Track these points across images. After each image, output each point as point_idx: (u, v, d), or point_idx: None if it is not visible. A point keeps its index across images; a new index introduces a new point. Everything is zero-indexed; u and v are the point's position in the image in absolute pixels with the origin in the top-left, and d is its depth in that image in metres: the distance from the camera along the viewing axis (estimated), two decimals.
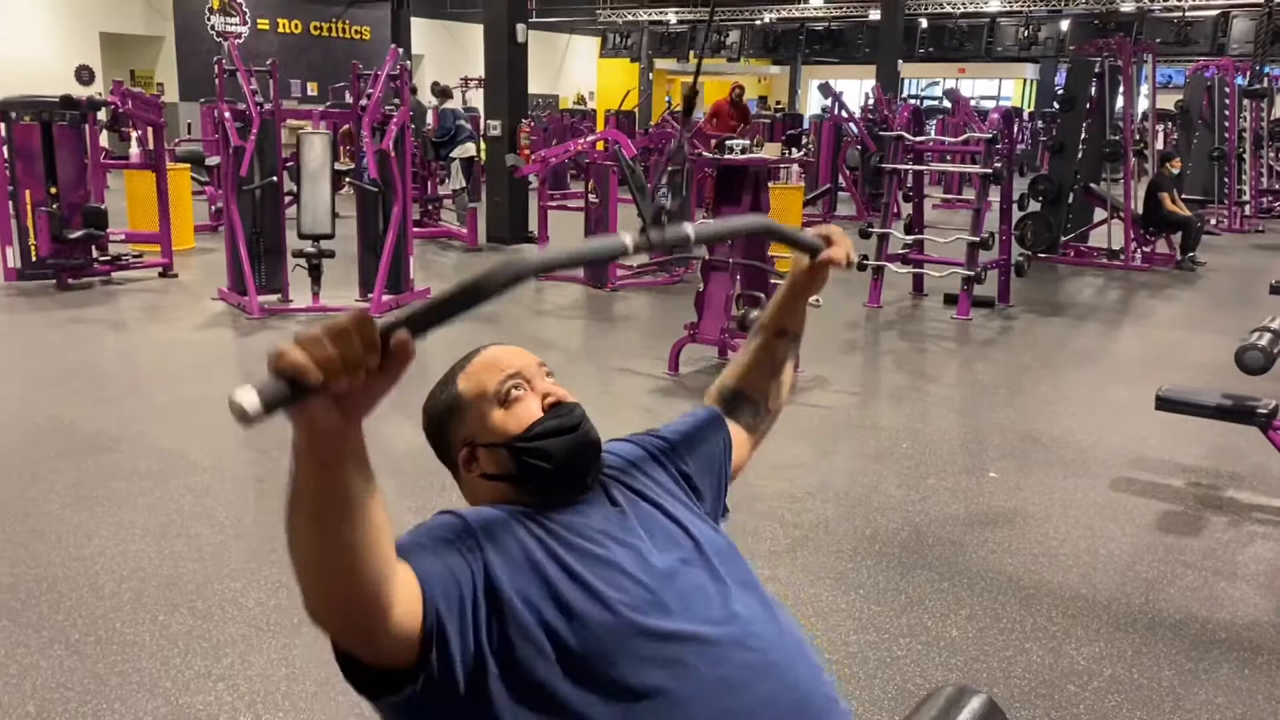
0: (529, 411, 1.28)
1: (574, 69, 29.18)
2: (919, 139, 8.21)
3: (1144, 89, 11.41)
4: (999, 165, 7.46)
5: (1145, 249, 10.05)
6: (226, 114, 7.15)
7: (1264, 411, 3.82)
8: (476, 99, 11.61)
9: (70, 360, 5.94)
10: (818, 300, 5.54)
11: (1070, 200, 10.23)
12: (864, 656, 2.81)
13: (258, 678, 2.64)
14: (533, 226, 10.22)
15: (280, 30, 21.71)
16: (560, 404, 1.30)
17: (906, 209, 8.40)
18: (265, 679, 2.63)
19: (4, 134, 7.70)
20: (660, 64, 26.90)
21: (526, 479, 1.26)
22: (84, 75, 18.87)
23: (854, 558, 3.43)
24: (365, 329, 0.85)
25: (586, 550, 1.19)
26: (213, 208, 10.97)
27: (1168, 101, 16.02)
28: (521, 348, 1.36)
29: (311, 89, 21.50)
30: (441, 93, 11.34)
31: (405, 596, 1.03)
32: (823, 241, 1.50)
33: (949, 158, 9.90)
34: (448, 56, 24.44)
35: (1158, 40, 18.01)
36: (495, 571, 1.13)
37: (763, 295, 5.62)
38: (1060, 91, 12.04)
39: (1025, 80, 30.78)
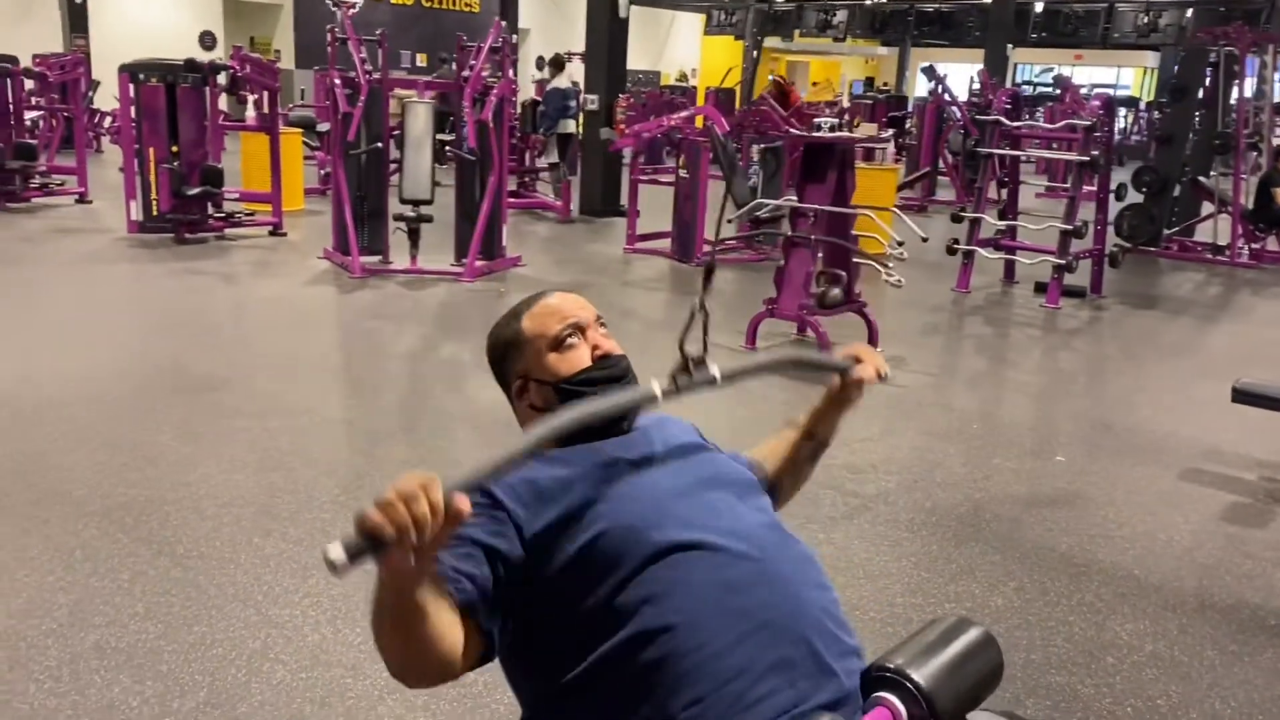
0: (580, 358, 1.44)
1: (677, 46, 29.18)
2: (1016, 124, 8.11)
3: (1264, 80, 10.99)
4: (1096, 153, 7.34)
5: (1254, 245, 9.74)
6: (337, 81, 7.47)
7: None
8: (578, 73, 11.78)
9: (185, 308, 6.34)
10: (899, 280, 5.57)
11: (1176, 193, 9.97)
12: (908, 618, 2.91)
13: (339, 597, 2.87)
14: (624, 200, 10.39)
15: (393, 2, 22.24)
16: (608, 356, 1.45)
17: (1002, 194, 8.32)
18: (346, 599, 2.87)
19: (132, 94, 8.18)
20: (766, 42, 26.70)
21: None
22: (207, 40, 19.67)
23: (910, 528, 3.52)
24: (432, 493, 1.05)
25: (605, 470, 1.34)
26: (321, 172, 11.42)
27: None
28: (583, 298, 1.51)
29: (421, 60, 21.99)
30: (555, 64, 11.53)
31: (468, 644, 1.23)
32: (851, 361, 1.61)
33: (1055, 145, 9.73)
34: (554, 30, 24.71)
35: None
36: (524, 527, 1.30)
37: (843, 273, 5.69)
38: (1171, 81, 11.68)
39: (1145, 69, 29.72)
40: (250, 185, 9.64)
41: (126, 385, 4.70)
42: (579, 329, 1.46)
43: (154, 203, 8.19)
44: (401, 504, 1.03)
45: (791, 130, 6.76)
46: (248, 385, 4.80)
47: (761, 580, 1.30)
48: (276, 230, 8.73)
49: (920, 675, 1.38)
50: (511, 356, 1.49)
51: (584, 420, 1.29)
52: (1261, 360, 6.04)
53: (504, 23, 8.18)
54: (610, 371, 1.44)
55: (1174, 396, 5.35)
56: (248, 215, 8.83)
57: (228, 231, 8.54)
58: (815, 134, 5.65)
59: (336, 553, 1.02)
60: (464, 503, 1.08)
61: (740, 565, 1.30)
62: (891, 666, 1.40)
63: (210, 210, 8.44)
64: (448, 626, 1.19)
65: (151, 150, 8.11)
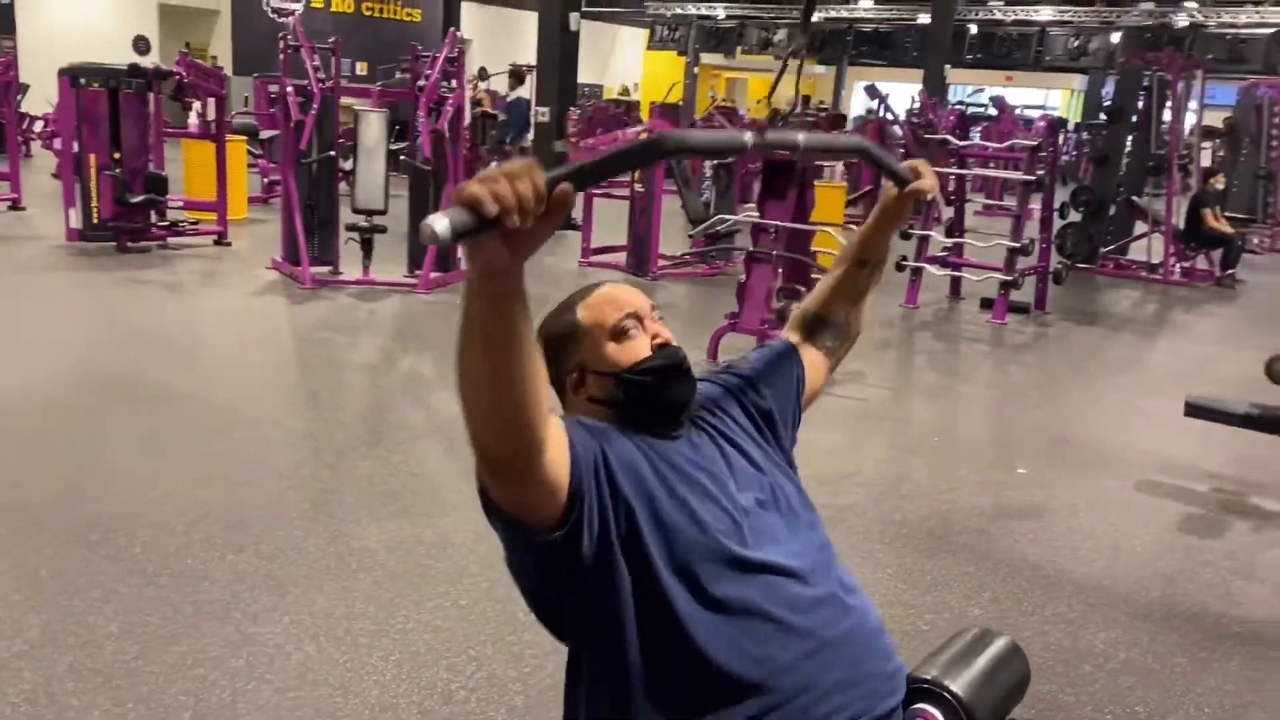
0: (640, 348, 1.41)
1: (621, 60, 29.32)
2: (963, 143, 8.29)
3: (1192, 104, 11.40)
4: (1041, 173, 7.53)
5: (1185, 264, 10.06)
6: (289, 89, 7.36)
7: None
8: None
9: (133, 319, 6.18)
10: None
11: (1112, 212, 10.27)
12: (890, 629, 2.94)
13: (320, 614, 2.82)
14: (576, 213, 10.38)
15: (333, 9, 22.01)
16: (667, 345, 1.43)
17: (948, 213, 8.49)
18: (327, 616, 2.82)
19: (72, 99, 7.96)
20: (706, 58, 26.96)
21: (630, 407, 1.40)
22: (141, 45, 19.10)
23: (883, 539, 3.57)
24: (535, 175, 0.99)
25: (683, 472, 1.34)
26: (265, 180, 11.24)
27: (1216, 119, 15.92)
28: (636, 289, 1.49)
29: (361, 69, 21.76)
30: (514, 75, 11.50)
31: (557, 445, 1.18)
32: (912, 172, 1.60)
33: (992, 164, 9.96)
34: (497, 41, 24.65)
35: (1210, 56, 17.89)
36: (614, 467, 1.28)
37: (803, 289, 5.75)
38: (1107, 103, 12.04)
39: (1073, 91, 30.58)
40: (194, 194, 9.43)
41: (80, 398, 4.57)
42: (637, 318, 1.43)
43: (95, 210, 7.97)
44: (506, 179, 0.98)
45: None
46: (206, 398, 4.70)
47: (819, 602, 1.33)
48: (221, 239, 8.56)
49: (958, 686, 1.42)
50: (567, 349, 1.45)
51: (685, 145, 1.28)
52: (1203, 376, 6.24)
53: (459, 33, 8.12)
54: (672, 360, 1.42)
55: (1123, 410, 5.50)
56: (192, 224, 8.64)
57: (171, 240, 8.34)
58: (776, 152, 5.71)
59: (440, 223, 0.96)
60: (567, 190, 1.03)
61: (799, 587, 1.32)
62: (929, 679, 1.43)
63: (154, 218, 8.24)
64: (538, 370, 1.13)
65: (92, 156, 7.90)
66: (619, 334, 1.41)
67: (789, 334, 1.69)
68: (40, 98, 13.38)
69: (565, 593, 1.28)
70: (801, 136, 1.42)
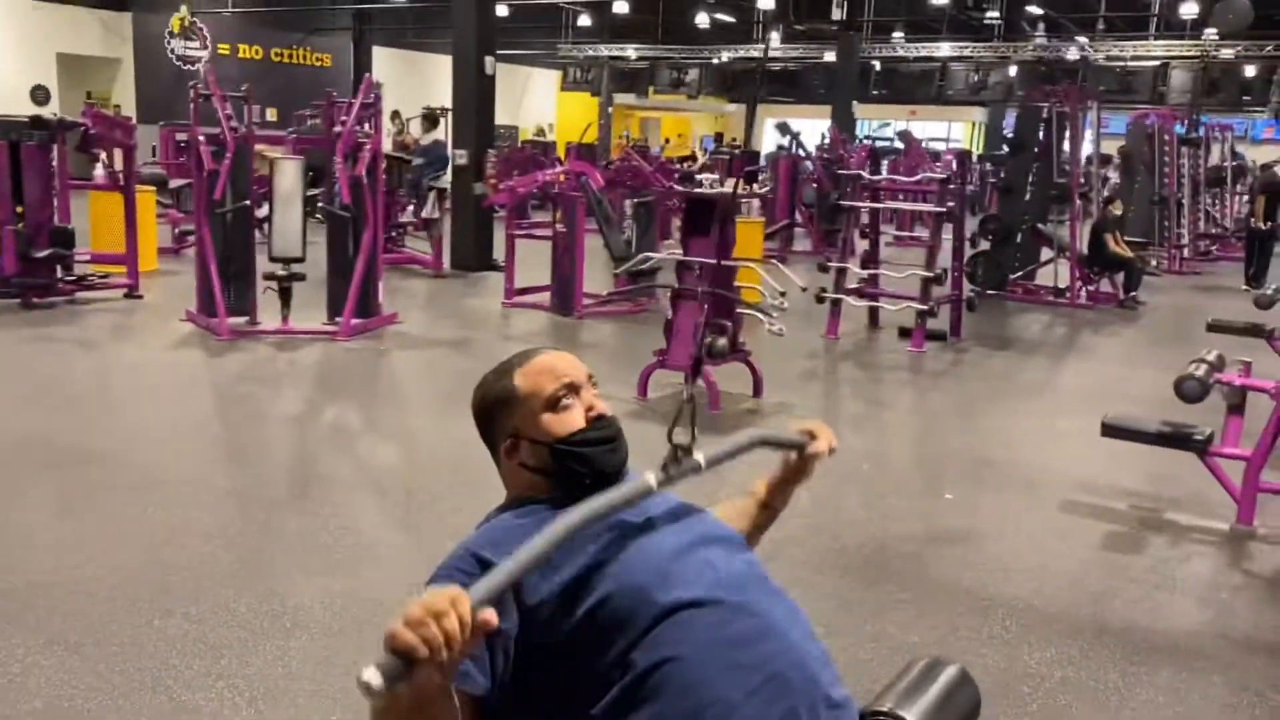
0: (574, 419, 1.44)
1: (534, 101, 29.45)
2: (876, 178, 8.51)
3: (1088, 134, 11.89)
4: (952, 204, 7.76)
5: (1090, 288, 10.44)
6: (201, 138, 7.24)
7: (1200, 438, 4.09)
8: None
9: (41, 378, 5.97)
10: (781, 329, 5.74)
11: (1019, 240, 10.62)
12: (834, 658, 2.97)
13: (256, 677, 2.74)
14: (498, 254, 10.37)
15: (241, 56, 21.74)
16: (602, 417, 1.46)
17: (863, 245, 8.68)
18: (264, 678, 2.74)
19: None
20: (620, 98, 27.28)
21: (562, 477, 1.43)
22: (39, 95, 18.74)
23: (821, 569, 3.61)
24: (460, 607, 1.04)
25: (602, 532, 1.35)
26: (175, 230, 10.99)
27: (1110, 147, 16.64)
28: (575, 358, 1.51)
29: (271, 115, 21.50)
30: (429, 119, 11.46)
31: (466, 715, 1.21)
32: (807, 437, 1.70)
33: (903, 196, 10.25)
34: (408, 85, 24.56)
35: (1101, 88, 18.71)
36: (527, 597, 1.29)
37: (729, 324, 5.82)
38: (1009, 135, 12.49)
39: (974, 123, 31.67)
40: (101, 246, 9.16)
41: None
42: (573, 389, 1.46)
43: None
44: (432, 621, 1.02)
45: (675, 187, 6.90)
46: (122, 457, 4.55)
47: (763, 634, 1.33)
48: (132, 292, 8.33)
49: (913, 715, 1.43)
50: (502, 414, 1.48)
51: (592, 518, 1.29)
52: (1113, 396, 6.45)
53: (375, 78, 8.08)
54: (605, 432, 1.45)
55: (1041, 432, 5.66)
56: (100, 277, 8.40)
57: (79, 295, 8.09)
58: (698, 190, 5.79)
59: (373, 677, 0.99)
60: (490, 615, 1.07)
61: (742, 620, 1.33)
62: (885, 710, 1.46)
63: (60, 273, 7.99)
64: None
65: None
66: (554, 404, 1.44)
67: None
68: None
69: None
70: (701, 458, 1.43)
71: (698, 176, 5.90)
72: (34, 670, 2.72)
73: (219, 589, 3.26)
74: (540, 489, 1.45)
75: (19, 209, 7.68)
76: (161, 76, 20.01)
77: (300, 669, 2.79)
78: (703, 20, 23.39)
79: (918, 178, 8.75)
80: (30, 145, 7.79)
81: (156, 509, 3.90)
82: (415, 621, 1.02)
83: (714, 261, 5.46)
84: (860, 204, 8.20)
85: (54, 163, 8.13)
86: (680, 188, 6.71)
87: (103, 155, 9.33)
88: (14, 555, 3.44)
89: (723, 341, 5.66)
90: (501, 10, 20.94)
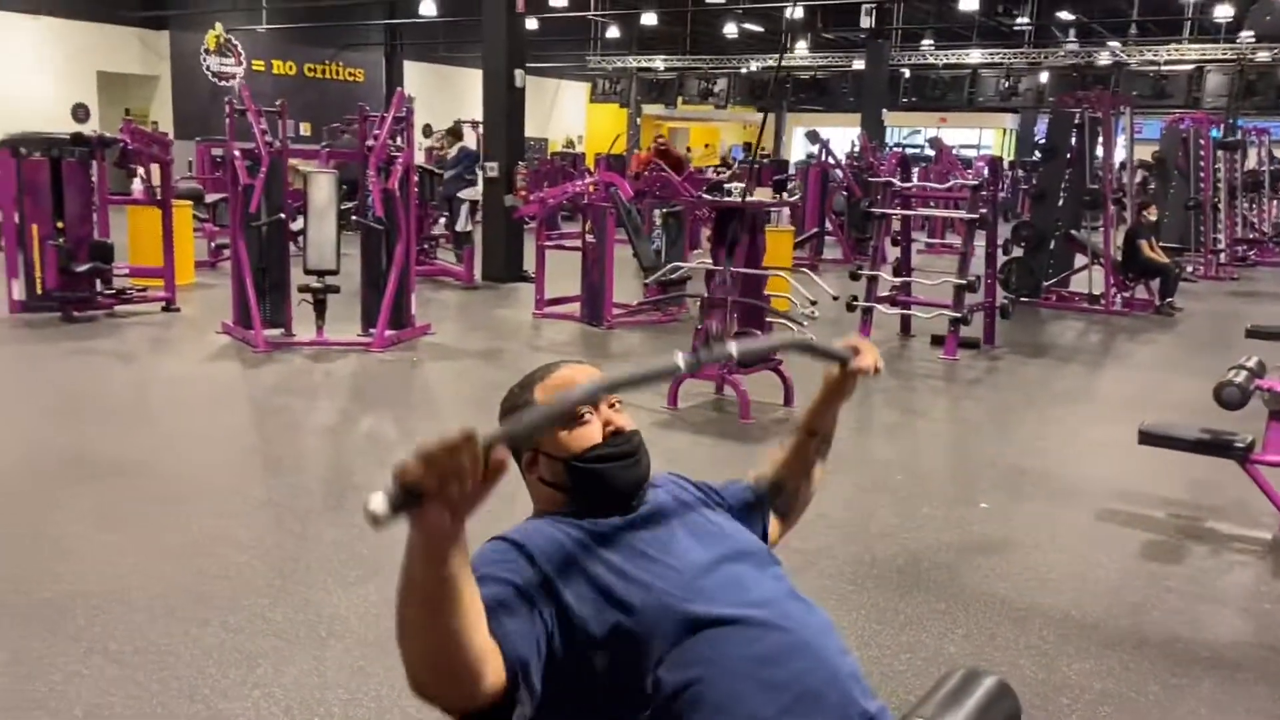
0: (591, 434, 1.42)
1: (564, 113, 29.60)
2: (907, 185, 8.47)
3: (1122, 140, 11.77)
4: (985, 211, 7.71)
5: (1125, 294, 10.33)
6: (236, 153, 7.33)
7: (1241, 445, 4.02)
8: (472, 141, 11.87)
9: (82, 390, 6.06)
10: (813, 338, 5.71)
11: (1052, 246, 10.53)
12: (866, 671, 2.91)
13: (292, 686, 2.76)
14: (528, 265, 10.41)
15: (275, 72, 22.02)
16: (619, 433, 1.44)
17: (894, 253, 8.65)
18: (299, 687, 2.76)
19: (13, 169, 7.86)
20: (648, 109, 27.36)
21: (578, 494, 1.42)
22: (80, 113, 19.08)
23: (854, 580, 3.59)
24: (472, 445, 1.02)
25: (629, 546, 1.35)
26: (211, 244, 11.13)
27: (1145, 152, 16.47)
28: (596, 371, 1.50)
29: (305, 129, 21.75)
30: (453, 132, 11.57)
31: (494, 663, 1.18)
32: (851, 352, 1.67)
33: (935, 203, 10.19)
34: (439, 99, 24.77)
35: (1134, 93, 18.53)
36: (554, 583, 1.29)
37: (759, 333, 5.81)
38: (1041, 141, 12.39)
39: (1005, 130, 31.43)
40: (140, 260, 9.31)
41: (29, 475, 4.45)
42: (592, 405, 1.45)
43: (39, 281, 7.84)
44: (443, 454, 1.01)
45: (704, 196, 6.92)
46: (160, 468, 4.60)
47: (793, 651, 1.33)
48: (170, 305, 8.45)
49: None
50: None
51: (610, 387, 1.31)
52: (1151, 403, 6.37)
53: (406, 92, 8.15)
54: (622, 448, 1.43)
55: (1077, 440, 5.60)
56: (139, 291, 8.52)
57: (118, 308, 8.21)
58: (727, 199, 5.80)
59: (378, 503, 0.99)
60: (504, 455, 1.05)
61: (771, 637, 1.32)
62: None
63: (100, 287, 8.12)
64: (478, 619, 1.14)
65: (34, 226, 7.78)
66: (572, 420, 1.42)
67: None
68: None
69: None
70: (734, 347, 1.44)
71: (725, 186, 5.91)
72: (74, 679, 2.76)
73: (255, 598, 3.29)
74: (559, 504, 1.44)
75: (59, 224, 7.82)
76: (198, 93, 20.31)
77: (335, 678, 2.81)
78: (731, 30, 23.44)
79: (949, 185, 8.69)
80: (71, 161, 7.94)
81: (194, 519, 3.95)
82: (424, 454, 1.00)
83: (741, 270, 5.45)
84: (891, 211, 8.16)
85: (94, 178, 8.28)
86: (708, 197, 6.71)
87: (140, 170, 9.49)
88: (56, 565, 3.49)
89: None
90: (531, 24, 21.11)
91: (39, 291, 7.85)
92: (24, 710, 2.60)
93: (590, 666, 1.28)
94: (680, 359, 1.35)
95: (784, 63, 24.36)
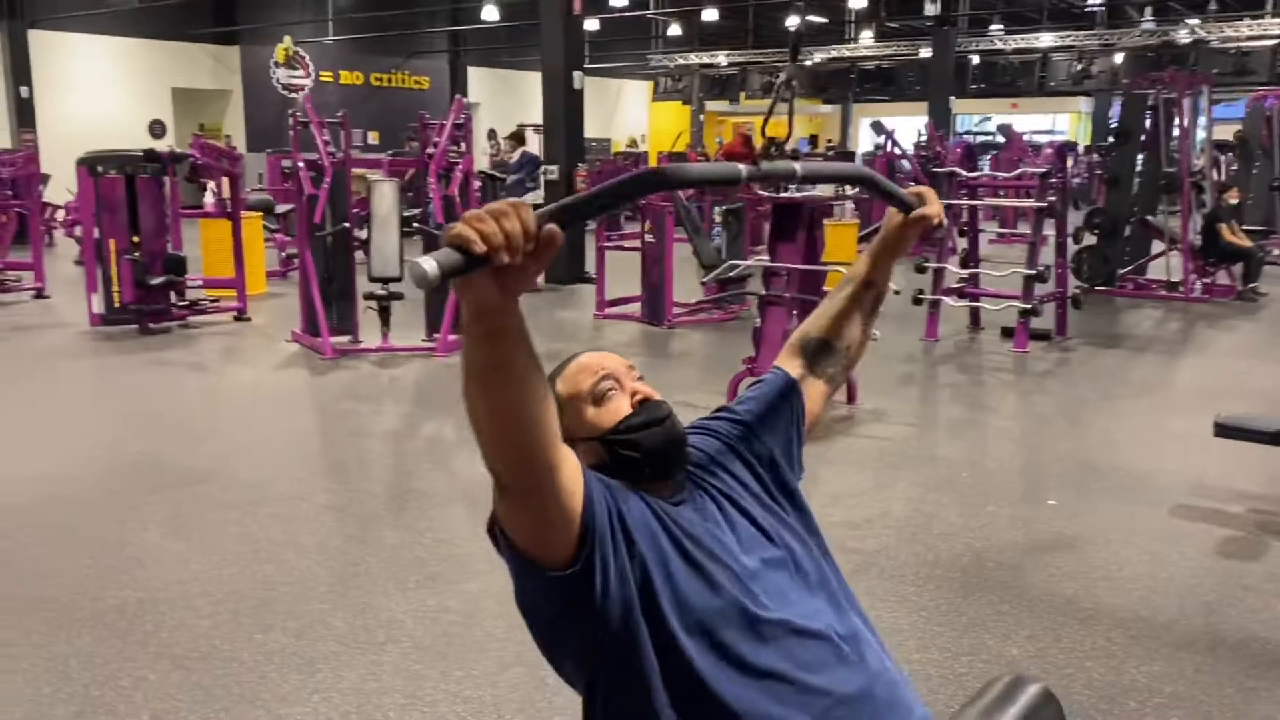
0: (620, 408, 1.42)
1: (626, 113, 29.64)
2: (972, 174, 8.30)
3: (1201, 120, 11.39)
4: (1053, 199, 7.52)
5: (1205, 280, 9.98)
6: (301, 164, 7.48)
7: None
8: (534, 144, 11.93)
9: (156, 400, 6.24)
10: (876, 334, 5.66)
11: (1127, 233, 10.23)
12: (926, 674, 2.89)
13: (350, 691, 2.80)
14: (590, 267, 10.44)
15: (342, 82, 22.41)
16: (648, 400, 1.43)
17: (962, 244, 8.48)
18: (356, 691, 2.79)
19: (90, 186, 8.13)
20: (711, 105, 27.24)
21: (619, 468, 1.39)
22: (156, 129, 19.67)
23: (915, 582, 3.52)
24: (523, 213, 1.00)
25: (692, 535, 1.33)
26: (282, 254, 11.38)
27: (1226, 132, 15.89)
28: (612, 353, 1.49)
29: (373, 138, 22.12)
30: (515, 137, 11.66)
31: (570, 473, 1.18)
32: (917, 200, 1.60)
33: (1003, 192, 9.96)
34: (503, 103, 25.01)
35: (1214, 71, 17.89)
36: (629, 522, 1.28)
37: None
38: (1114, 125, 12.05)
39: (1080, 114, 30.64)
40: (212, 271, 9.57)
41: (104, 484, 4.59)
42: (614, 379, 1.44)
43: (116, 294, 8.09)
44: (492, 219, 0.98)
45: (761, 192, 6.85)
46: (230, 476, 4.71)
47: (837, 658, 1.30)
48: (241, 315, 8.66)
49: None
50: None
51: (676, 179, 1.27)
52: (1231, 393, 6.15)
53: (464, 99, 8.24)
54: (654, 414, 1.42)
55: (1152, 433, 5.42)
56: (211, 302, 8.75)
57: (192, 319, 8.44)
58: (783, 195, 5.73)
59: (429, 264, 0.96)
60: (556, 229, 1.02)
61: (813, 644, 1.30)
62: None
63: (174, 299, 8.35)
64: (543, 398, 1.13)
65: (112, 242, 8.03)
66: (598, 398, 1.42)
67: (788, 364, 1.65)
68: (61, 187, 13.68)
69: (576, 632, 1.27)
70: (799, 166, 1.40)
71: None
72: (142, 684, 2.83)
73: (316, 603, 3.34)
74: None
75: (135, 239, 8.06)
76: (269, 106, 20.75)
77: (392, 682, 2.84)
78: (794, 22, 23.21)
79: (1016, 173, 8.49)
80: (144, 177, 8.17)
81: (260, 526, 4.03)
82: (474, 218, 0.99)
83: (799, 266, 5.39)
84: (956, 202, 8.00)
85: (166, 193, 8.52)
86: (763, 193, 6.65)
87: (210, 184, 9.74)
88: (128, 573, 3.59)
89: None
90: (592, 24, 21.19)
91: (116, 305, 8.10)
92: (93, 714, 2.68)
93: (625, 647, 1.26)
94: (742, 169, 1.29)
95: (849, 52, 24.07)
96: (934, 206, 1.60)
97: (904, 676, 1.39)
